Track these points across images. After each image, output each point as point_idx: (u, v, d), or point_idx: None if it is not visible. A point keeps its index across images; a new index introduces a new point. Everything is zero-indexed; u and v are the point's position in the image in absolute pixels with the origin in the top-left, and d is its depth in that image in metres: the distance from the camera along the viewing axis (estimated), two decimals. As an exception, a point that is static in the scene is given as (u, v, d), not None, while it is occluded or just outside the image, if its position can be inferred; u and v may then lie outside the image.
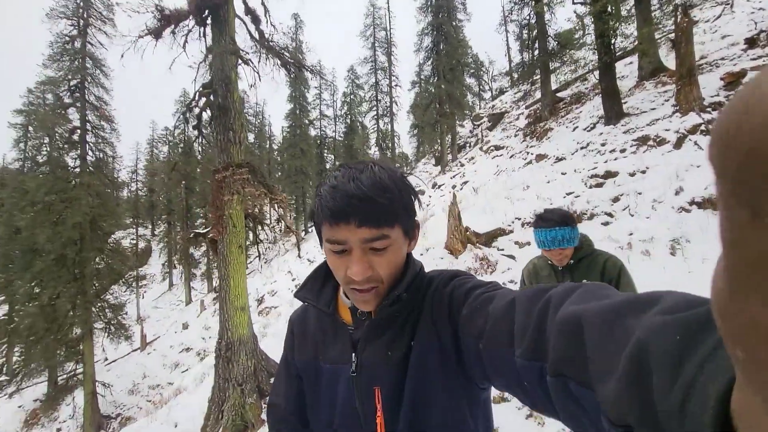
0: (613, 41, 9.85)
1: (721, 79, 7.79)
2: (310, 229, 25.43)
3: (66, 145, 12.88)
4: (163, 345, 17.30)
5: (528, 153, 12.26)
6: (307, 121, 28.70)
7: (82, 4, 13.76)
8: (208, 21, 6.18)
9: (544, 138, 12.67)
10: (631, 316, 0.33)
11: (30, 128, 19.34)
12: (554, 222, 1.78)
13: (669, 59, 10.36)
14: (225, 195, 5.56)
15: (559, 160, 9.86)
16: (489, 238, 7.49)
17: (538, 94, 16.95)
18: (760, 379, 0.14)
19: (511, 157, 13.55)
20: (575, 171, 8.32)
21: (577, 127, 11.25)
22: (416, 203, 0.70)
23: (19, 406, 14.29)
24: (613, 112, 9.52)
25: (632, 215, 6.07)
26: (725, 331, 0.16)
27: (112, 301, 13.41)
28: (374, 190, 0.60)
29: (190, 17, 6.02)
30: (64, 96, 13.20)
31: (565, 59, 13.02)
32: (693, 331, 0.26)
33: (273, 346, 7.11)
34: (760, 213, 0.12)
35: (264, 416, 5.53)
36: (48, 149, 13.48)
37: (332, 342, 0.74)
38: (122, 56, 5.91)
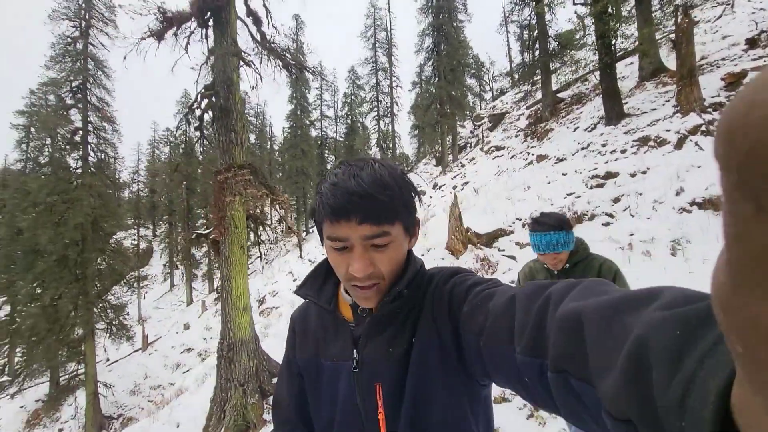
0: (613, 42, 9.86)
1: (722, 79, 7.79)
2: (311, 230, 25.46)
3: (68, 146, 12.92)
4: (164, 345, 17.34)
5: (529, 153, 12.27)
6: (308, 122, 28.75)
7: (84, 5, 13.83)
8: (210, 23, 6.21)
9: (544, 138, 12.67)
10: (630, 312, 0.33)
11: (32, 129, 19.47)
12: (549, 226, 1.79)
13: (670, 60, 10.37)
14: (227, 196, 5.58)
15: (559, 160, 9.86)
16: (490, 239, 7.50)
17: (538, 95, 16.96)
18: (761, 376, 0.14)
19: (511, 157, 13.55)
20: (576, 171, 8.32)
21: (577, 127, 11.26)
22: (416, 200, 0.70)
23: (21, 407, 14.33)
24: (614, 112, 9.52)
25: (633, 216, 6.07)
26: (726, 325, 0.16)
27: (113, 301, 13.45)
28: (375, 187, 0.60)
29: (192, 19, 6.05)
30: (66, 97, 13.25)
31: (566, 60, 13.04)
32: (693, 326, 0.27)
33: (274, 347, 7.13)
34: (765, 207, 0.12)
35: (266, 416, 5.56)
36: (50, 150, 13.54)
37: (333, 339, 0.74)
38: (125, 58, 5.94)
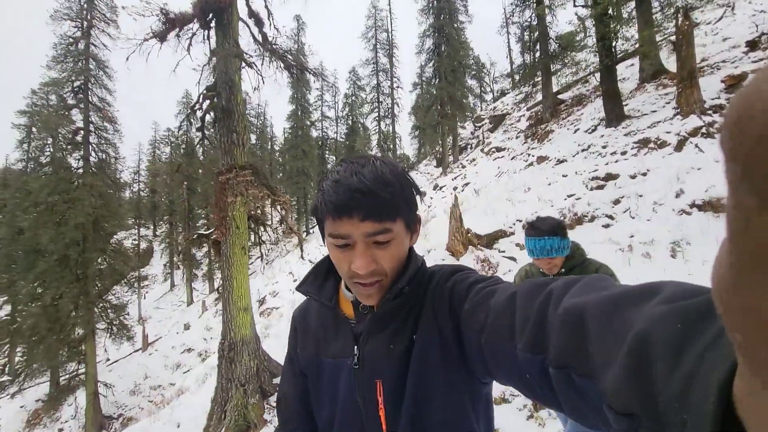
0: (614, 44, 9.88)
1: (722, 81, 7.80)
2: (311, 230, 25.48)
3: (69, 146, 12.96)
4: (164, 346, 17.36)
5: (529, 155, 12.28)
6: (308, 123, 28.80)
7: (85, 6, 13.87)
8: (212, 24, 6.23)
9: (545, 140, 12.69)
10: (631, 307, 0.33)
11: (33, 129, 19.52)
12: (543, 231, 1.79)
13: (670, 62, 10.38)
14: (228, 197, 5.60)
15: (560, 162, 9.88)
16: (490, 240, 7.51)
17: (539, 96, 16.99)
18: (763, 366, 0.14)
19: (512, 158, 13.57)
20: (576, 173, 8.34)
21: (578, 129, 11.28)
22: (417, 198, 0.70)
23: (21, 407, 14.34)
24: (614, 114, 9.54)
25: (633, 217, 6.08)
26: (727, 317, 0.16)
27: (114, 301, 13.48)
28: (376, 184, 0.60)
29: (195, 20, 6.08)
30: (68, 97, 13.29)
31: (567, 61, 13.04)
32: (693, 320, 0.27)
33: (275, 347, 7.14)
34: None
35: (266, 416, 5.57)
36: (51, 150, 13.58)
37: (334, 337, 0.74)
38: (128, 59, 5.97)
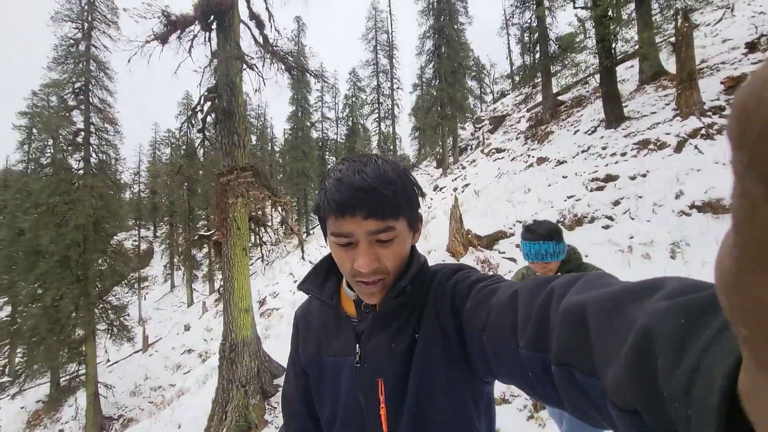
0: (613, 45, 9.91)
1: (722, 83, 7.83)
2: (311, 231, 25.49)
3: (70, 147, 12.98)
4: (164, 346, 17.36)
5: (529, 156, 12.30)
6: (308, 124, 28.84)
7: (86, 7, 13.90)
8: (214, 26, 6.25)
9: (545, 141, 12.72)
10: (633, 303, 0.33)
11: (34, 130, 19.53)
12: (539, 235, 1.79)
13: (670, 63, 10.41)
14: (229, 198, 5.61)
15: (560, 163, 9.90)
16: (490, 241, 7.52)
17: (539, 97, 17.03)
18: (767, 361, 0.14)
19: (512, 159, 13.59)
20: (576, 174, 8.35)
21: (578, 130, 11.30)
22: (419, 196, 0.70)
23: (22, 407, 14.34)
24: (614, 115, 9.56)
25: (633, 219, 6.10)
26: (731, 309, 0.16)
27: (114, 302, 13.47)
28: (379, 182, 0.60)
29: (196, 23, 6.10)
30: (68, 98, 13.31)
31: (566, 63, 13.09)
32: (696, 314, 0.27)
33: (275, 348, 7.15)
34: None
35: (267, 417, 5.58)
36: (52, 151, 13.59)
37: (335, 335, 0.74)
38: (129, 61, 5.99)
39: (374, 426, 0.65)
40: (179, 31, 6.07)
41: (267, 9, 6.90)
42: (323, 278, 0.78)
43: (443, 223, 8.30)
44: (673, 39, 9.07)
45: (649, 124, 8.31)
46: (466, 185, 14.26)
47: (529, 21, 16.96)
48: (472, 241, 7.26)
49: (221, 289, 6.36)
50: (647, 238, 5.43)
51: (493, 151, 16.43)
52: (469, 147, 22.77)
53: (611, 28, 9.59)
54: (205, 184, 22.86)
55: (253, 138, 32.57)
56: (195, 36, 6.22)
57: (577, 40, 11.80)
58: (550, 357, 0.41)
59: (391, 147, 30.29)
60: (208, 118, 6.28)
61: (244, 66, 6.29)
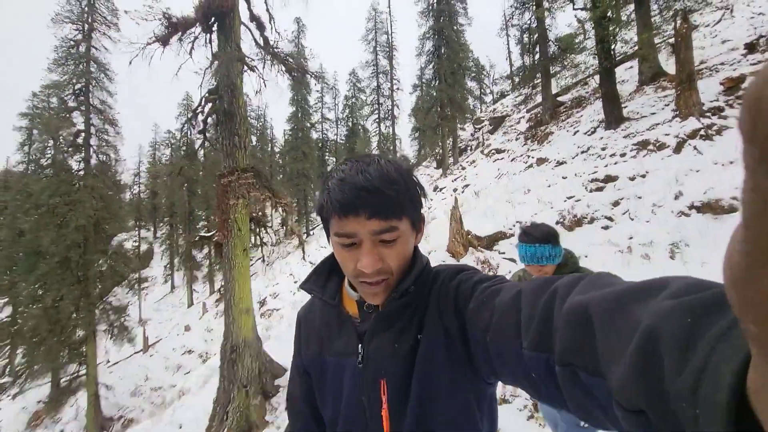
0: (613, 46, 9.94)
1: (721, 84, 7.84)
2: (312, 232, 25.51)
3: (70, 148, 12.98)
4: (165, 347, 17.35)
5: (529, 156, 12.32)
6: (308, 124, 28.89)
7: (87, 9, 13.92)
8: (214, 28, 6.28)
9: (544, 142, 12.74)
10: (638, 303, 0.33)
11: (34, 131, 19.53)
12: (535, 238, 1.79)
13: (669, 64, 10.44)
14: (230, 199, 5.63)
15: (559, 163, 9.92)
16: (490, 242, 7.54)
17: (538, 98, 17.06)
18: None
19: (512, 160, 13.61)
20: (576, 175, 8.37)
21: (577, 131, 11.32)
22: (422, 197, 0.70)
23: (23, 408, 14.33)
24: (614, 116, 9.58)
25: (632, 219, 6.12)
26: (740, 306, 0.15)
27: (114, 303, 13.46)
28: (382, 182, 0.60)
29: (197, 24, 6.12)
30: (69, 99, 13.32)
31: (566, 63, 13.13)
32: (702, 313, 0.26)
33: (276, 349, 7.16)
34: None
35: (268, 418, 5.60)
36: (52, 152, 13.57)
37: (337, 335, 0.73)
38: (130, 63, 6.01)
39: (377, 426, 0.65)
40: (180, 33, 6.09)
41: (267, 11, 6.93)
42: (325, 278, 0.78)
43: (443, 223, 8.32)
44: (672, 40, 9.10)
45: (648, 124, 8.33)
46: (466, 186, 14.27)
47: (528, 22, 16.99)
48: (472, 242, 7.28)
49: (222, 289, 6.37)
50: (646, 239, 5.44)
51: (492, 151, 16.46)
52: (469, 148, 22.79)
53: (611, 29, 9.62)
54: (206, 185, 22.87)
55: (253, 139, 32.58)
56: (196, 38, 6.25)
57: (577, 41, 11.83)
58: (554, 357, 0.41)
59: (391, 148, 30.31)
60: (209, 120, 6.30)
61: (245, 67, 6.32)
